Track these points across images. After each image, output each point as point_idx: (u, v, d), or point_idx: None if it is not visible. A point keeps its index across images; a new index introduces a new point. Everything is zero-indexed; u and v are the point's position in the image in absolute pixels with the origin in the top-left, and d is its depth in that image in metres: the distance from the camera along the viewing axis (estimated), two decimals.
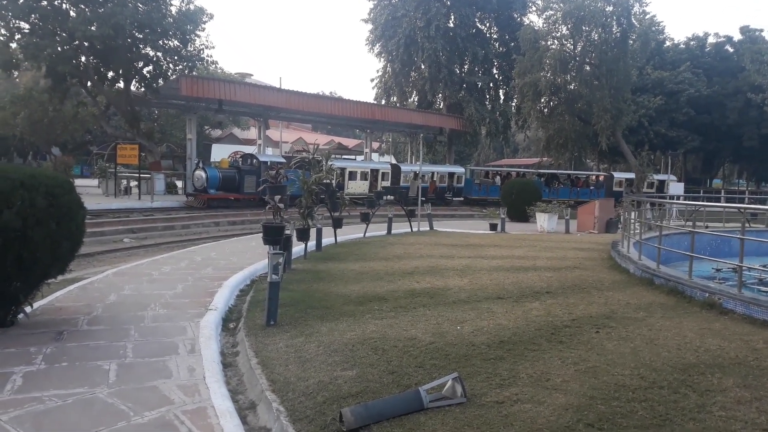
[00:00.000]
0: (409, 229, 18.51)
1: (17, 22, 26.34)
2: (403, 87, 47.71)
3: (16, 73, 34.57)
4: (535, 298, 7.65)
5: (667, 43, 54.25)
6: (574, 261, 11.34)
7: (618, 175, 43.71)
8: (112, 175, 30.69)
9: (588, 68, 40.28)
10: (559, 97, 42.40)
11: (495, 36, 48.48)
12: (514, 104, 47.99)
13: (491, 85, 48.25)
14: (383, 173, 35.04)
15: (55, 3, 26.19)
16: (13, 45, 26.88)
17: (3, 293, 5.99)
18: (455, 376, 4.29)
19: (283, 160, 29.72)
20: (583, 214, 22.51)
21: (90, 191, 29.37)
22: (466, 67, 47.20)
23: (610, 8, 38.82)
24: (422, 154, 26.41)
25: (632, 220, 12.38)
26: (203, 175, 26.38)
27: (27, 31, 26.55)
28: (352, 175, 32.96)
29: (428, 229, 19.15)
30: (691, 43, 54.05)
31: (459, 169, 40.07)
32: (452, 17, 44.49)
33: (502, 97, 49.19)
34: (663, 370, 4.82)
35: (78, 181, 31.56)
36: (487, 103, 47.55)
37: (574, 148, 45.06)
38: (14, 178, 5.73)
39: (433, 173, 37.36)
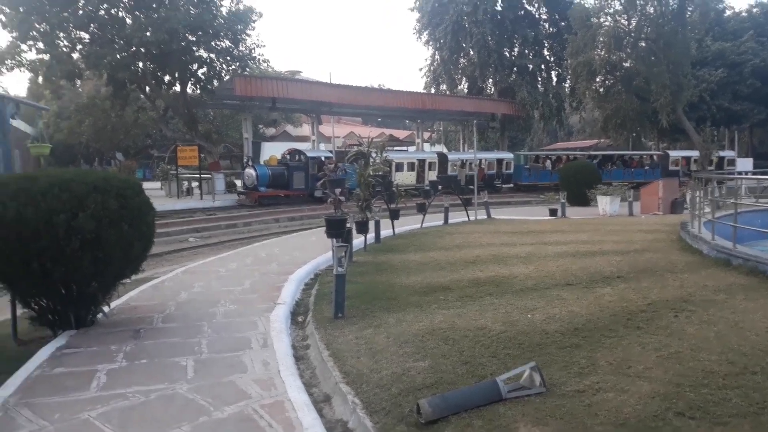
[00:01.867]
0: (466, 218, 18.31)
1: (78, 33, 27.39)
2: (452, 74, 47.23)
3: (79, 83, 35.92)
4: (606, 284, 7.41)
5: (728, 12, 51.56)
6: (642, 244, 10.94)
7: (674, 154, 41.80)
8: (174, 176, 31.63)
9: (644, 44, 38.74)
10: (614, 75, 41.06)
11: (544, 17, 47.32)
12: (567, 85, 46.76)
13: (543, 67, 47.16)
14: (430, 163, 34.69)
15: (112, 12, 27.06)
16: (75, 55, 27.95)
17: (82, 294, 6.23)
18: (533, 365, 4.18)
19: (331, 155, 29.96)
20: (647, 195, 21.75)
21: (153, 193, 30.10)
22: (516, 50, 46.33)
23: None
24: (476, 142, 26.01)
25: (701, 199, 11.85)
26: (253, 173, 26.89)
27: (87, 41, 27.58)
28: (399, 167, 32.38)
29: (485, 217, 18.90)
30: (754, 10, 51.15)
31: (507, 155, 39.25)
32: (499, 0, 43.68)
33: (554, 79, 48.02)
34: (753, 355, 4.57)
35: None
36: (539, 85, 46.51)
37: (632, 127, 43.56)
38: (88, 181, 5.94)
39: (480, 160, 36.80)
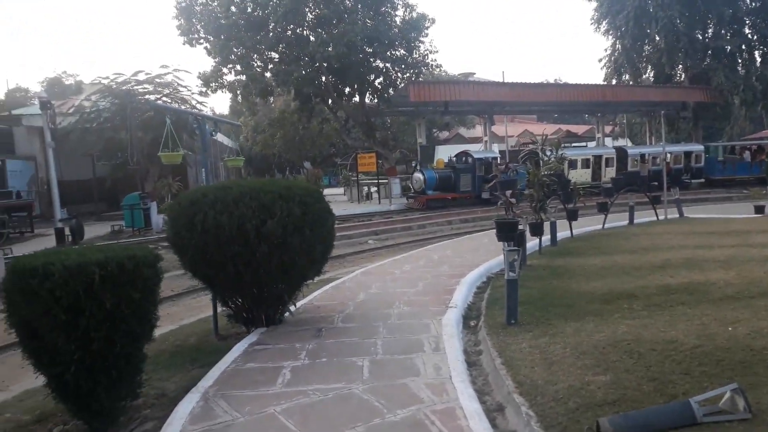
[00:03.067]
0: (655, 218, 16.89)
1: (269, 53, 30.17)
2: (635, 63, 43.90)
3: (272, 99, 39.46)
4: None
5: None
6: None
7: None
8: (355, 182, 33.45)
9: None
10: None
11: None
12: None
13: (743, 47, 41.88)
14: (607, 159, 32.40)
15: (298, 31, 29.35)
16: (267, 74, 30.75)
17: (271, 294, 6.75)
18: (734, 386, 3.69)
19: (497, 155, 29.34)
20: None
21: (337, 199, 32.37)
22: (710, 31, 41.79)
23: None
24: (663, 133, 23.89)
25: None
26: (421, 177, 27.37)
27: (277, 60, 30.23)
28: (572, 164, 30.16)
29: (677, 216, 17.27)
30: None
31: (697, 147, 35.33)
32: None
33: (758, 60, 42.41)
34: None
35: (327, 190, 35.05)
36: (739, 68, 41.46)
37: None
38: (274, 190, 6.41)
39: (666, 154, 33.52)
